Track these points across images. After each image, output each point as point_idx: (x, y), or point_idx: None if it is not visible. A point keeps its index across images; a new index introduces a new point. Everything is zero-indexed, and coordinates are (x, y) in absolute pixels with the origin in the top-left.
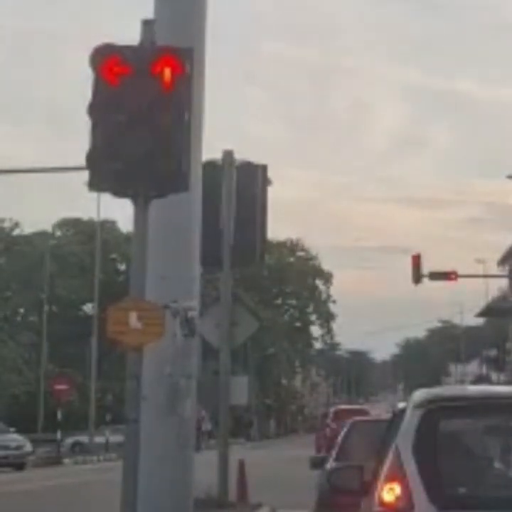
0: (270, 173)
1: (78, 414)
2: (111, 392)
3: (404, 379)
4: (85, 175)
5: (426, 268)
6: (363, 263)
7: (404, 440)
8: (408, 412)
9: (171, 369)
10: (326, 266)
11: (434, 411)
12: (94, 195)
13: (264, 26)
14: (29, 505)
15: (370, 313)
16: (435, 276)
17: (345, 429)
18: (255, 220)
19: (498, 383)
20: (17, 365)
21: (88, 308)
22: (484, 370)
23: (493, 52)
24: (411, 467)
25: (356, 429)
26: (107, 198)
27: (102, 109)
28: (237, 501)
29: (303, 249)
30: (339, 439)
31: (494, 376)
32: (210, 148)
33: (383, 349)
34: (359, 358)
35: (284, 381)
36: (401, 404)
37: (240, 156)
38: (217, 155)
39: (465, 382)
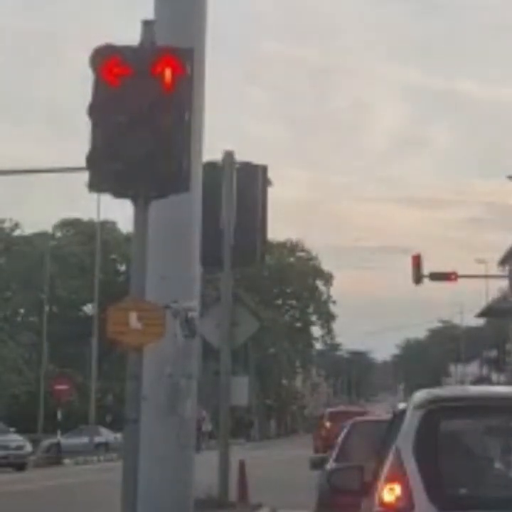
0: (270, 174)
1: (78, 414)
2: (111, 393)
3: (404, 379)
4: (85, 175)
5: (426, 268)
6: (363, 263)
7: (404, 441)
8: (408, 413)
9: (172, 369)
10: (326, 266)
11: (435, 411)
12: (95, 195)
13: (264, 26)
14: (29, 505)
15: (371, 314)
16: (435, 276)
17: (345, 430)
18: (255, 221)
19: (499, 384)
20: (17, 365)
21: (88, 308)
22: (484, 370)
23: (493, 53)
24: (411, 467)
25: (356, 429)
26: (107, 198)
27: (102, 109)
28: (238, 501)
29: (303, 250)
30: (339, 439)
31: (494, 377)
32: (211, 148)
33: (383, 349)
34: (359, 359)
35: (284, 381)
36: (401, 405)
37: (240, 156)
38: (217, 155)
39: (465, 383)
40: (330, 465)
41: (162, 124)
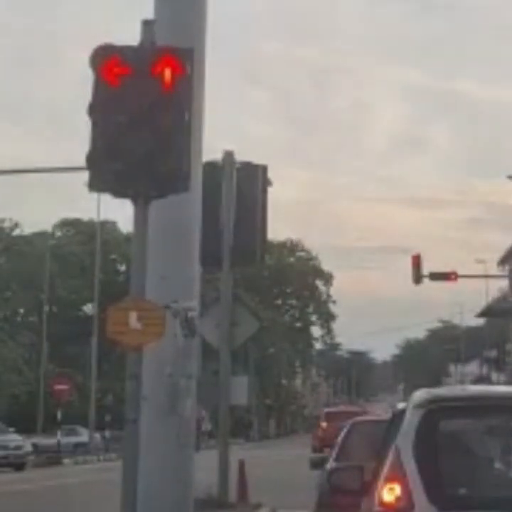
0: (270, 174)
1: (78, 414)
2: (111, 393)
3: (404, 379)
4: (85, 175)
5: (426, 268)
6: (363, 263)
7: (404, 440)
8: (408, 413)
9: (172, 369)
10: (326, 266)
11: (435, 411)
12: (95, 195)
13: (264, 26)
14: (29, 505)
15: (370, 314)
16: (435, 276)
17: (345, 430)
18: (255, 221)
19: (498, 383)
20: (17, 365)
21: (88, 308)
22: (484, 370)
23: (494, 53)
24: (411, 467)
25: (356, 429)
26: (107, 198)
27: (102, 109)
28: (237, 501)
29: (303, 250)
30: (339, 439)
31: (494, 376)
32: (211, 148)
33: (383, 349)
34: (359, 359)
35: (284, 381)
36: (401, 405)
37: (240, 156)
38: (217, 155)
39: (465, 383)
40: (330, 465)
41: (162, 124)
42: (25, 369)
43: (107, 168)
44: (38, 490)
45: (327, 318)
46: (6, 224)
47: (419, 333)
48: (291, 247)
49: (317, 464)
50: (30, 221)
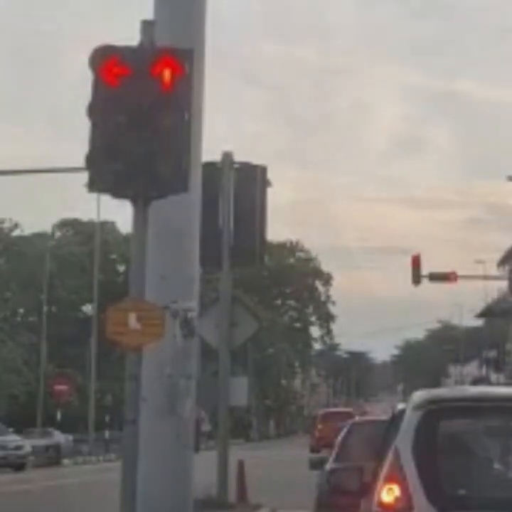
0: (270, 174)
1: (77, 414)
2: (110, 393)
3: (403, 380)
4: (85, 176)
5: (426, 269)
6: (362, 264)
7: (403, 441)
8: (408, 413)
9: (171, 370)
10: (325, 266)
11: (434, 412)
12: (94, 196)
13: (264, 27)
14: (29, 505)
15: (370, 314)
16: (435, 277)
17: (344, 430)
18: (255, 221)
19: (498, 384)
20: (17, 365)
21: (88, 308)
22: (484, 371)
23: (494, 53)
24: (410, 468)
25: (355, 430)
26: (106, 198)
27: (101, 109)
28: (237, 502)
29: (302, 250)
30: (339, 439)
31: (494, 377)
32: (210, 149)
33: (383, 350)
34: (359, 359)
35: (283, 382)
36: (400, 405)
37: (239, 156)
38: (217, 156)
39: (464, 383)
40: (329, 465)
41: (161, 125)
42: (25, 369)
43: (106, 169)
44: (37, 490)
45: (326, 318)
46: (6, 224)
47: (419, 333)
48: (290, 248)
49: (316, 465)
50: (30, 221)
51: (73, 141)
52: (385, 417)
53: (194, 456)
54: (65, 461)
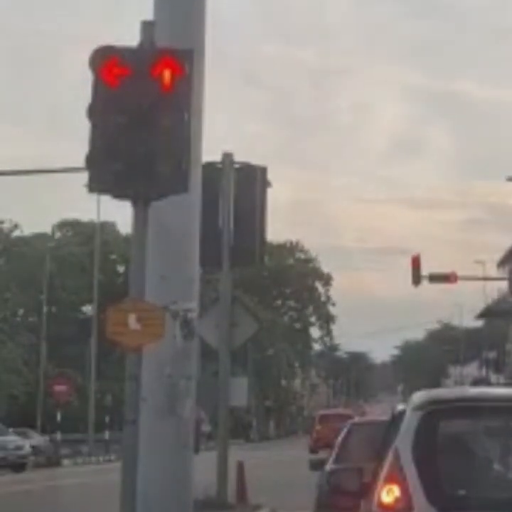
0: (270, 175)
1: (77, 415)
2: (110, 393)
3: (403, 380)
4: (85, 176)
5: (425, 269)
6: (362, 264)
7: (403, 441)
8: (408, 414)
9: (171, 370)
10: (325, 267)
11: (434, 412)
12: (94, 196)
13: (264, 27)
14: (29, 506)
15: (370, 315)
16: (435, 278)
17: (344, 431)
18: (255, 222)
19: (498, 385)
20: (16, 365)
21: (87, 309)
22: (484, 371)
23: (494, 54)
24: (410, 469)
25: (355, 430)
26: (106, 198)
27: (101, 110)
28: (237, 502)
29: (302, 251)
30: (338, 440)
31: (494, 378)
32: (210, 149)
33: (383, 350)
34: (358, 360)
35: (283, 382)
36: (400, 406)
37: (239, 157)
38: (217, 157)
39: (464, 384)
40: (329, 466)
41: (161, 125)
42: (25, 370)
43: (106, 169)
44: (37, 491)
45: (326, 319)
46: (6, 225)
47: (419, 334)
48: (290, 248)
49: (317, 465)
50: (30, 222)
51: (73, 141)
52: (384, 417)
53: (194, 457)
54: (65, 461)
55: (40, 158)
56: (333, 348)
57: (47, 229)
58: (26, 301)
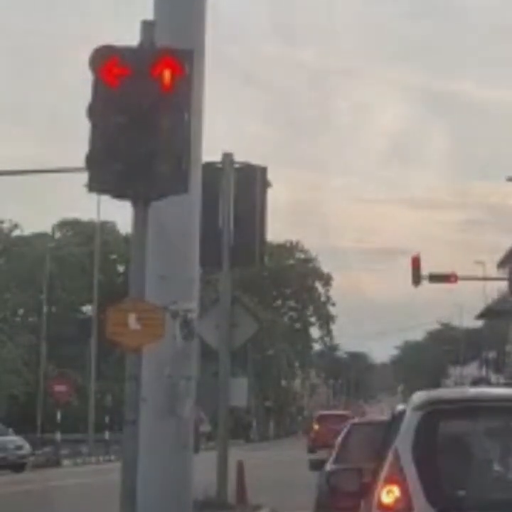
0: (270, 175)
1: (77, 415)
2: (110, 394)
3: (403, 381)
4: (85, 176)
5: (425, 270)
6: (362, 265)
7: (403, 442)
8: (408, 414)
9: (171, 370)
10: (325, 267)
11: (434, 413)
12: (94, 196)
13: (264, 27)
14: (28, 506)
15: (370, 315)
16: (435, 278)
17: (344, 431)
18: (254, 222)
19: (498, 385)
20: (16, 366)
21: (87, 309)
22: (484, 371)
23: (494, 54)
24: (410, 469)
25: (355, 431)
26: (106, 199)
27: (101, 110)
28: (237, 503)
29: (302, 251)
30: (338, 441)
31: (494, 378)
32: (210, 149)
33: (382, 351)
34: (358, 360)
35: (283, 382)
36: (400, 406)
37: (239, 157)
38: (217, 157)
39: (464, 384)
40: (329, 466)
41: (161, 125)
42: (25, 370)
43: (106, 169)
44: (37, 491)
45: (326, 319)
46: (6, 225)
47: (419, 334)
48: (290, 249)
49: (316, 465)
50: (30, 222)
51: (73, 141)
52: (383, 418)
53: (194, 457)
54: (65, 462)
55: (40, 158)
56: (333, 348)
57: (47, 229)
58: (26, 301)
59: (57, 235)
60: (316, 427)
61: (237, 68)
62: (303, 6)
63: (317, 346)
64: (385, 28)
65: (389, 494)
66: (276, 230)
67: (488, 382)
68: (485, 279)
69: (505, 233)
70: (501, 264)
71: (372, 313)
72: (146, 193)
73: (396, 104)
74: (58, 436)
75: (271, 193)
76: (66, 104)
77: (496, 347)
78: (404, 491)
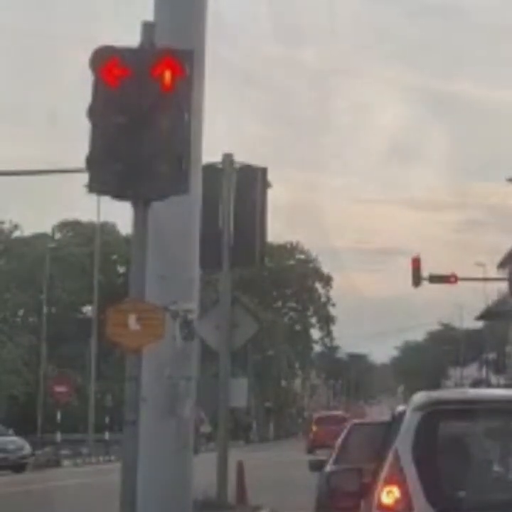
0: (270, 176)
1: (77, 415)
2: (110, 394)
3: (403, 382)
4: (85, 177)
5: (425, 270)
6: (362, 265)
7: (403, 443)
8: (408, 415)
9: (171, 371)
10: (325, 268)
11: (434, 414)
12: (94, 196)
13: (264, 28)
14: (29, 506)
15: (370, 316)
16: (435, 279)
17: (344, 432)
18: (255, 222)
19: (498, 386)
20: (16, 366)
21: (87, 309)
22: (484, 373)
23: (494, 54)
24: (410, 470)
25: (355, 431)
26: (106, 199)
27: (101, 111)
28: (237, 503)
29: (302, 252)
30: (339, 441)
31: (494, 379)
32: (211, 150)
33: (383, 352)
34: (359, 361)
35: (283, 383)
36: (401, 407)
37: (239, 157)
38: (217, 157)
39: (464, 385)
40: (329, 467)
41: (161, 126)
42: (25, 370)
43: (106, 170)
44: (37, 491)
45: (326, 320)
46: (6, 226)
47: (419, 335)
48: (290, 249)
49: (316, 466)
50: (30, 223)
51: (73, 141)
52: (383, 419)
53: (193, 458)
54: (65, 462)
55: (40, 158)
56: (333, 349)
57: (47, 229)
58: (26, 301)
59: (58, 235)
60: (314, 428)
61: (236, 68)
62: (303, 6)
63: (317, 347)
64: (384, 28)
65: (389, 495)
66: (276, 231)
67: (488, 384)
68: (485, 279)
69: (505, 234)
70: (501, 264)
71: (372, 314)
72: (147, 194)
73: (395, 104)
74: (58, 436)
75: (271, 194)
76: (66, 104)
77: (496, 348)
78: (404, 491)
